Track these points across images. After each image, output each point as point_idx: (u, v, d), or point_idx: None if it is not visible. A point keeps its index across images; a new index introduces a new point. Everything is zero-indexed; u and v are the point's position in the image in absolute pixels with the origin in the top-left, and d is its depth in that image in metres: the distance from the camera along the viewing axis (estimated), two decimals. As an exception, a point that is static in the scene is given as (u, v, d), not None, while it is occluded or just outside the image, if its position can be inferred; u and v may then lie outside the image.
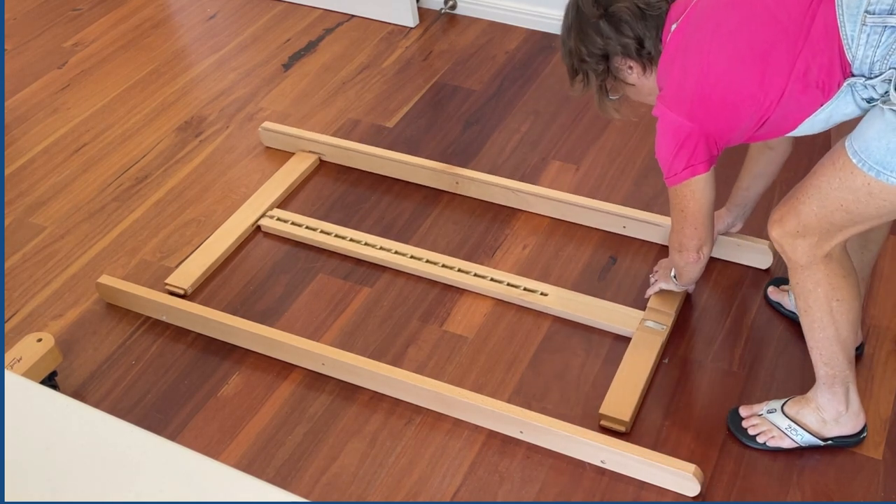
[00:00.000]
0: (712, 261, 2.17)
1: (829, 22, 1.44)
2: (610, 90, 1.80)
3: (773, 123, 1.59)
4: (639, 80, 1.76)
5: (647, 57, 1.71)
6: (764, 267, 2.14)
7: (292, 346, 2.00)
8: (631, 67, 1.74)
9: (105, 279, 2.18)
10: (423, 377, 1.93)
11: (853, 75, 1.46)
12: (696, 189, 1.71)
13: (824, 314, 1.64)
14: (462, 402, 1.87)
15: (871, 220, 1.53)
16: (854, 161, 1.46)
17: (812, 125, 1.57)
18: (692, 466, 1.73)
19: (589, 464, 1.80)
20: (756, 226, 2.25)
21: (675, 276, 2.00)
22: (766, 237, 2.16)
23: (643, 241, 2.25)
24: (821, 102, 1.51)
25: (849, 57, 1.44)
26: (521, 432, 1.85)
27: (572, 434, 1.80)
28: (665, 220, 2.21)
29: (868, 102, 1.48)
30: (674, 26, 1.65)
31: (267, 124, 2.62)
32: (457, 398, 1.88)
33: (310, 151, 2.55)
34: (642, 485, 1.76)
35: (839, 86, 1.47)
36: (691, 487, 1.74)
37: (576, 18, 1.75)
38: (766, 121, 1.58)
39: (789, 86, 1.51)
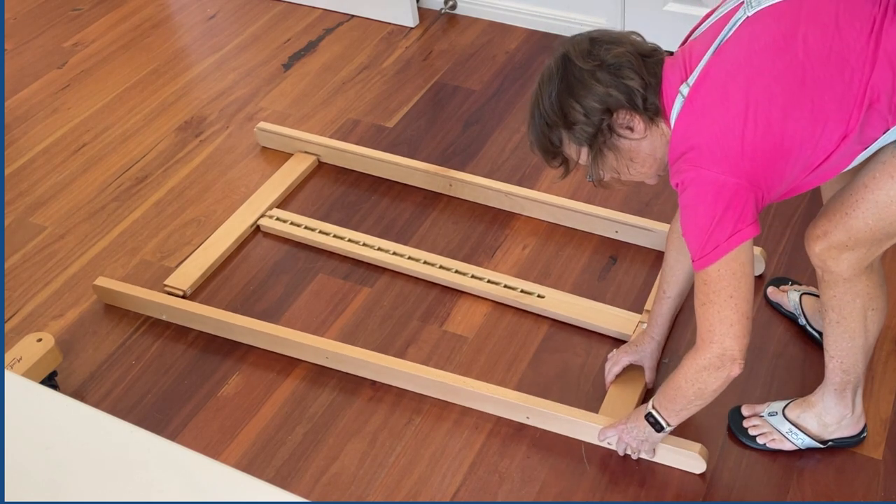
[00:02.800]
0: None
1: None
2: (602, 165, 1.56)
3: (831, 163, 1.46)
4: (639, 146, 1.54)
5: (651, 109, 1.51)
6: (756, 274, 2.14)
7: (293, 342, 2.01)
8: (631, 128, 1.52)
9: (101, 281, 2.18)
10: (426, 367, 1.95)
11: None
12: (746, 260, 1.46)
13: (858, 324, 1.62)
14: (465, 390, 1.89)
15: None
16: None
17: (862, 156, 1.47)
18: (697, 445, 1.75)
19: (589, 464, 1.80)
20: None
21: (661, 422, 1.67)
22: (759, 241, 2.18)
23: (640, 246, 2.25)
24: (886, 127, 1.41)
25: None
26: (527, 418, 1.86)
27: (577, 418, 1.82)
28: (657, 226, 2.20)
29: None
30: (685, 87, 1.48)
31: (262, 124, 2.62)
32: (460, 387, 1.89)
33: (305, 152, 2.55)
34: (642, 485, 1.77)
35: None
36: (697, 465, 1.75)
37: (564, 77, 1.51)
38: (823, 162, 1.45)
39: (859, 117, 1.40)
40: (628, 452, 1.79)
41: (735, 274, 1.46)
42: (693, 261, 1.49)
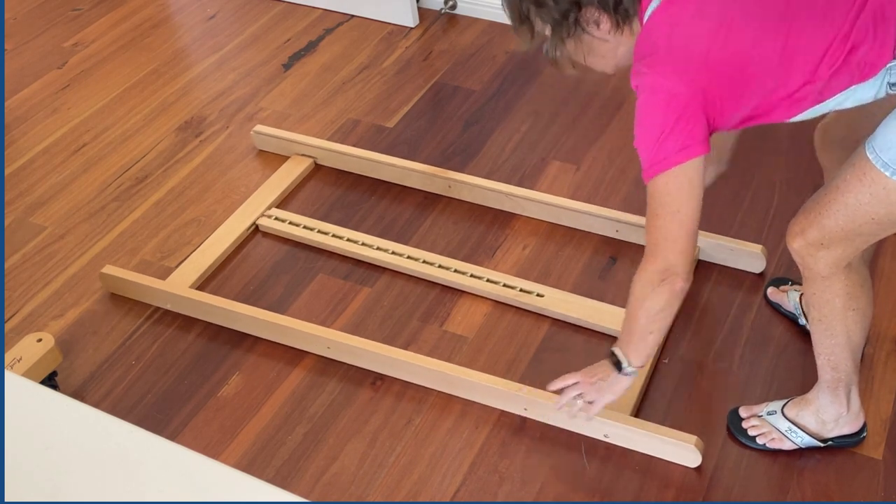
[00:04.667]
0: (710, 264, 2.16)
1: (887, 2, 1.37)
2: (560, 48, 1.55)
3: (784, 105, 1.47)
4: (605, 37, 1.52)
5: (622, 14, 1.49)
6: (757, 271, 2.14)
7: (298, 331, 2.02)
8: (598, 24, 1.51)
9: (109, 269, 2.20)
10: (426, 357, 1.97)
11: None
12: (695, 177, 1.44)
13: (838, 323, 1.63)
14: (466, 380, 1.90)
15: None
16: (887, 174, 1.41)
17: (815, 111, 1.49)
18: (693, 438, 1.75)
19: (589, 464, 1.80)
20: (750, 230, 2.25)
21: (621, 359, 1.64)
22: (759, 241, 2.18)
23: (641, 245, 2.24)
24: (848, 84, 1.42)
25: None
26: (525, 409, 1.87)
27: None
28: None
29: (891, 88, 1.42)
30: None
31: (259, 127, 2.61)
32: (461, 377, 1.90)
33: (303, 155, 2.55)
34: (642, 485, 1.77)
35: (883, 67, 1.39)
36: (693, 458, 1.76)
37: None
38: (778, 101, 1.47)
39: (824, 63, 1.40)
40: (567, 408, 1.75)
41: (682, 188, 1.45)
42: (643, 171, 1.48)
